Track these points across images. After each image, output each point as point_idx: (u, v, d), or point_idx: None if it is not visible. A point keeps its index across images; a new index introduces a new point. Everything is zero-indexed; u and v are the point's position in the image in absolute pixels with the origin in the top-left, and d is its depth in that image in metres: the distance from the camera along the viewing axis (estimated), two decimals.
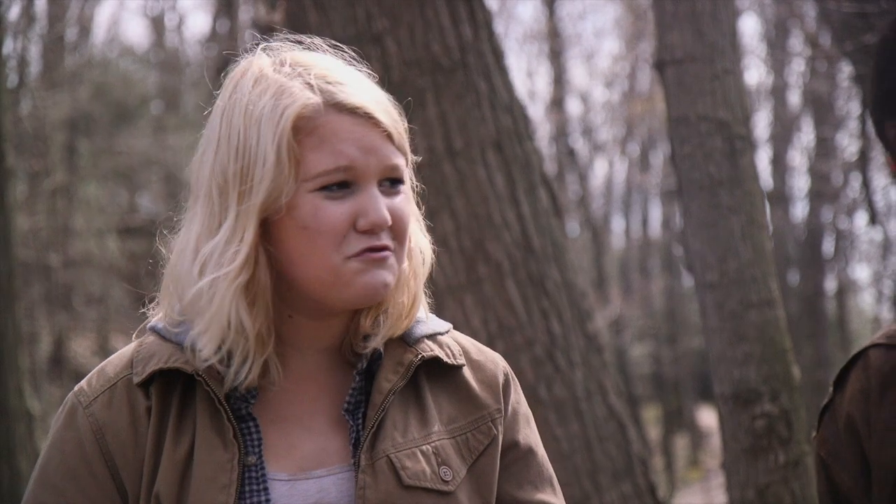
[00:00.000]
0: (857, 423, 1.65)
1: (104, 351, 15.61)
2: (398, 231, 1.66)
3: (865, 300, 26.69)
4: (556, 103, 18.50)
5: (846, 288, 23.50)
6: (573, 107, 22.10)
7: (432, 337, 1.77)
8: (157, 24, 17.68)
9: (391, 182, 1.66)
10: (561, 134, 18.86)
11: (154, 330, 1.74)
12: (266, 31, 4.67)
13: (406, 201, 1.68)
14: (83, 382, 1.73)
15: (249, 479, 1.64)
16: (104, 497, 1.65)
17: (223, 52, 14.56)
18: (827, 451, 1.69)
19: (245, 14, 14.81)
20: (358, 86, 1.66)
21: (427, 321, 1.79)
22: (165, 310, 1.73)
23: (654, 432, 23.23)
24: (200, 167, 1.69)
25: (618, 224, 25.52)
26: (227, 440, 1.64)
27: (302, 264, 1.64)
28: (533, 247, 3.97)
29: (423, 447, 1.68)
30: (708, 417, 21.57)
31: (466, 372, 1.77)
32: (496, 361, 1.82)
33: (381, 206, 1.63)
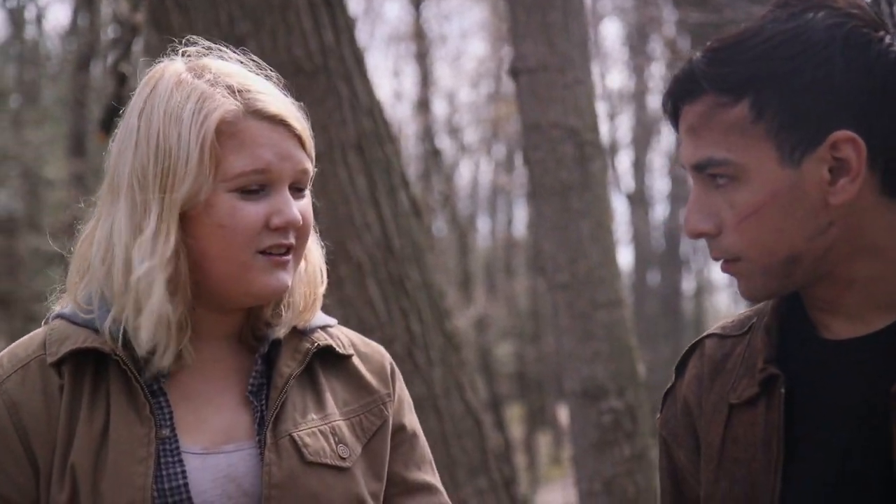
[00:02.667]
0: (691, 406, 1.78)
1: None
2: (303, 231, 1.80)
3: (722, 300, 27.45)
4: (423, 104, 18.59)
5: (704, 288, 24.14)
6: (439, 107, 22.23)
7: (324, 328, 1.91)
8: (15, 16, 17.26)
9: (299, 187, 1.80)
10: (427, 134, 18.96)
11: (62, 316, 1.83)
12: (128, 28, 4.67)
13: (308, 203, 1.82)
14: None
15: (165, 452, 1.75)
16: (18, 470, 1.74)
17: (83, 46, 14.32)
18: (668, 431, 1.82)
19: (107, 8, 14.59)
20: (274, 95, 1.79)
21: (319, 315, 1.92)
22: (73, 297, 1.83)
23: (517, 431, 23.50)
24: (119, 163, 1.79)
25: (483, 224, 25.75)
26: (143, 416, 1.74)
27: (214, 259, 1.77)
28: (393, 247, 4.05)
29: (322, 427, 1.82)
30: None
31: (356, 361, 1.92)
32: (381, 352, 1.98)
33: (294, 206, 1.77)
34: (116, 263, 1.77)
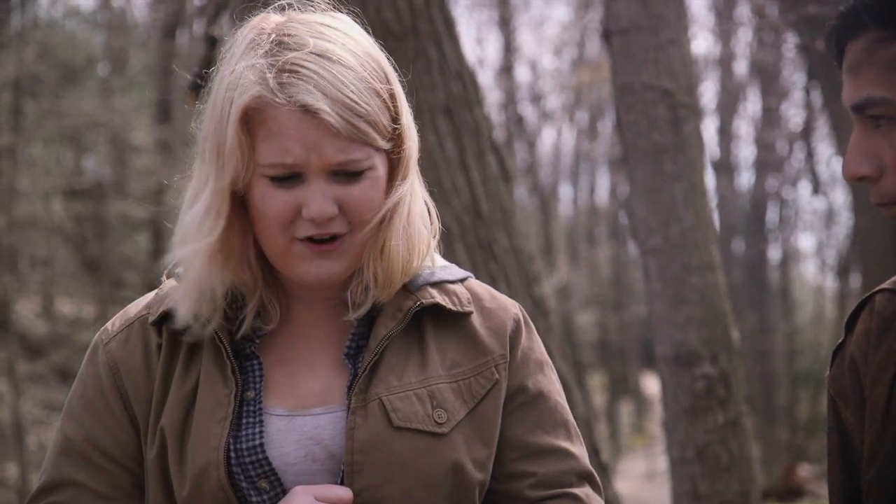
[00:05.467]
0: (857, 363, 1.71)
1: (49, 313, 15.50)
2: (353, 217, 1.71)
3: (809, 269, 27.07)
4: (506, 70, 18.51)
5: (790, 257, 23.81)
6: (522, 74, 22.12)
7: (438, 285, 1.82)
8: None
9: (348, 173, 1.70)
10: (510, 101, 18.89)
11: (176, 274, 1.83)
12: None
13: (369, 187, 1.71)
14: (108, 323, 1.85)
15: (247, 413, 1.74)
16: (119, 428, 1.78)
17: (170, 13, 14.43)
18: (835, 389, 1.75)
19: None
20: (319, 78, 1.67)
21: (437, 271, 1.84)
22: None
23: (599, 399, 23.45)
24: (202, 123, 1.76)
25: (566, 192, 25.64)
26: (226, 376, 1.74)
27: (262, 238, 1.74)
28: (482, 212, 4.03)
29: (419, 391, 1.74)
30: (652, 385, 21.82)
31: (475, 319, 1.82)
32: (507, 308, 1.86)
33: (322, 200, 1.68)
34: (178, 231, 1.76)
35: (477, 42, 21.50)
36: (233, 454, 1.70)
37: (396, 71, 1.79)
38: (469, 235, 3.98)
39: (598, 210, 24.45)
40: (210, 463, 1.69)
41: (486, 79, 19.05)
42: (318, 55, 1.69)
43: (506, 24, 18.80)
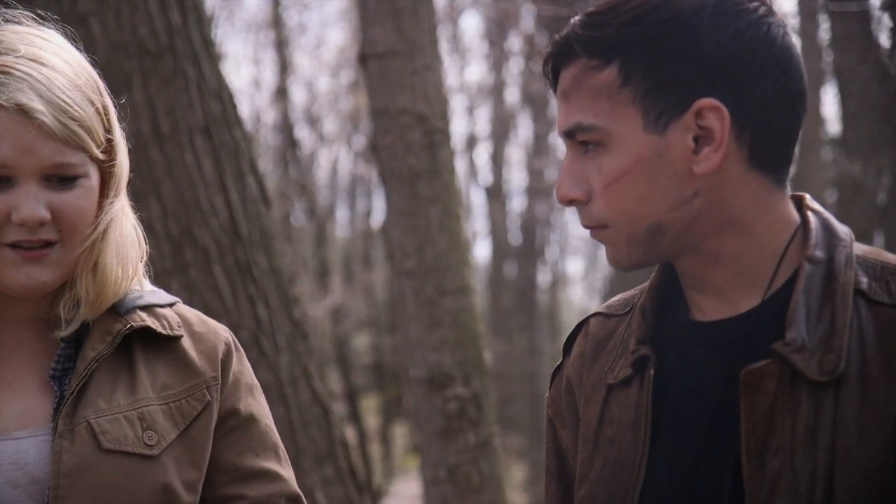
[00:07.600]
0: (573, 385, 1.76)
1: None
2: (65, 225, 1.69)
3: (576, 293, 27.90)
4: (282, 92, 18.45)
5: (559, 281, 24.49)
6: (299, 96, 22.07)
7: (148, 308, 1.82)
8: None
9: (61, 178, 1.68)
10: (285, 123, 18.83)
11: None
12: None
13: (82, 196, 1.71)
14: None
15: None
16: None
17: None
18: (553, 410, 1.80)
19: None
20: (32, 80, 1.66)
21: (145, 294, 1.83)
22: None
23: (374, 421, 23.52)
24: None
25: (342, 214, 25.69)
26: None
27: None
28: (241, 233, 3.99)
29: (128, 413, 1.73)
30: None
31: (186, 342, 1.82)
32: (218, 333, 1.87)
33: (34, 203, 1.66)
34: None
35: (254, 63, 21.38)
36: None
37: (118, 101, 1.79)
38: (228, 257, 3.95)
39: (373, 232, 24.58)
40: None
41: (263, 100, 18.95)
42: (30, 59, 1.68)
43: (281, 46, 18.75)
